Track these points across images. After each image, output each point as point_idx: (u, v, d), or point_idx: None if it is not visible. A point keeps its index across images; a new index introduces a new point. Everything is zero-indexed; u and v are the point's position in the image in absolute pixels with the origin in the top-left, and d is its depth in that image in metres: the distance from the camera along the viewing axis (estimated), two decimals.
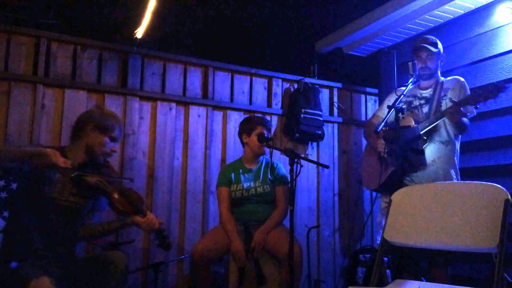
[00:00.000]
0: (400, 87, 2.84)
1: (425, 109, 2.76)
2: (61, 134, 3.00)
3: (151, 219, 2.23)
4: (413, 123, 2.63)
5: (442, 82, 2.81)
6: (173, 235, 3.24)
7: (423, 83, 2.85)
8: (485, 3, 3.20)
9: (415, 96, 2.84)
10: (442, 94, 2.74)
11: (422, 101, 2.80)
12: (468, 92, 2.68)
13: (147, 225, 2.22)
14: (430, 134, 2.69)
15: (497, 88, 2.36)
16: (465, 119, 2.62)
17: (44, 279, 1.80)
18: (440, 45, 2.84)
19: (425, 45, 2.77)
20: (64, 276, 1.98)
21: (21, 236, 2.05)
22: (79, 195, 2.17)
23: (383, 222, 2.03)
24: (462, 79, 2.79)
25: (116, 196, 2.21)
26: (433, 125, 2.62)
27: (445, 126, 2.71)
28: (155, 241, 2.34)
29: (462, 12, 3.35)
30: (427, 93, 2.81)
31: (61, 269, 2.02)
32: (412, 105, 2.82)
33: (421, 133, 2.59)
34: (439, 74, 2.88)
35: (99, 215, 2.44)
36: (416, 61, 2.75)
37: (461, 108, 2.47)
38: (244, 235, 2.84)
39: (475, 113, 2.64)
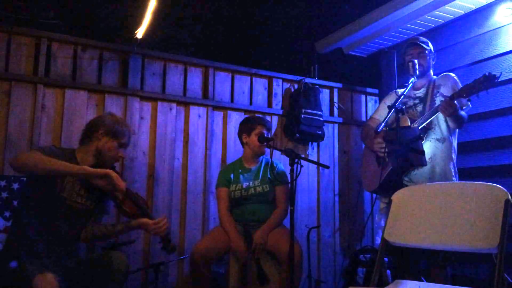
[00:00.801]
0: (400, 87, 2.85)
1: (419, 108, 2.80)
2: (61, 135, 3.00)
3: (160, 222, 2.28)
4: (409, 122, 2.65)
5: (434, 81, 2.85)
6: (173, 235, 3.24)
7: (416, 83, 2.86)
8: (485, 3, 3.20)
9: (409, 97, 2.87)
10: (435, 91, 2.78)
11: (416, 101, 2.84)
12: (459, 86, 2.71)
13: (155, 228, 2.25)
14: (426, 132, 2.72)
15: (488, 79, 2.37)
16: (462, 112, 2.65)
17: (48, 274, 1.83)
18: (430, 45, 2.90)
19: (416, 41, 2.87)
20: (65, 276, 1.98)
21: (25, 235, 2.06)
22: (86, 197, 2.20)
23: (382, 223, 2.03)
24: (452, 74, 2.85)
25: (123, 199, 2.24)
26: (428, 121, 2.65)
27: (439, 124, 2.73)
28: (159, 244, 2.36)
29: (462, 12, 3.35)
30: (420, 92, 2.85)
31: (62, 269, 2.02)
32: (407, 106, 2.84)
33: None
34: (432, 74, 2.90)
35: (105, 218, 2.45)
36: (415, 61, 2.76)
37: (455, 101, 2.50)
38: (244, 235, 2.83)
39: (470, 106, 2.65)
